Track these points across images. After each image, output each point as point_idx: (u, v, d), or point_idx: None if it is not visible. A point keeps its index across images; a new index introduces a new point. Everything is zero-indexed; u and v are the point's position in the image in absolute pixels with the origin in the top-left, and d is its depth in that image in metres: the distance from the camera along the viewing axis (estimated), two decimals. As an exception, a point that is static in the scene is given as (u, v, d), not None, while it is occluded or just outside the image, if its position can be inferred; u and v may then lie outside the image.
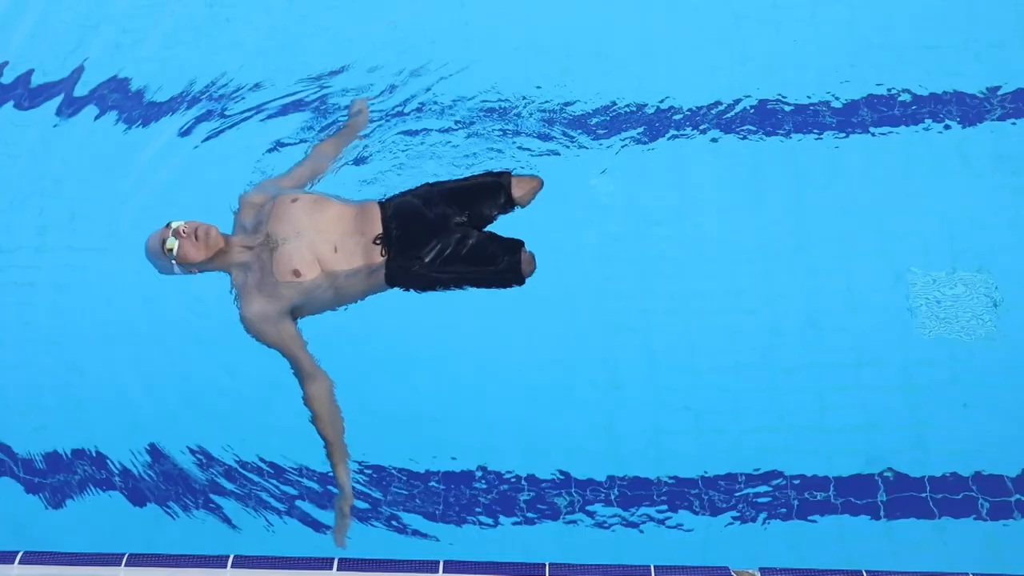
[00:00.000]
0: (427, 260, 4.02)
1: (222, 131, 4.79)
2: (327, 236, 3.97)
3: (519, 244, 4.09)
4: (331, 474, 3.92)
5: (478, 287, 4.10)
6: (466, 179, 4.25)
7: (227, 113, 4.83)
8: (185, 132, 4.80)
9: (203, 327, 4.32)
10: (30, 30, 5.14)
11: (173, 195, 4.61)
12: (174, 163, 4.73)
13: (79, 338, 4.44)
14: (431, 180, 4.25)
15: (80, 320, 4.48)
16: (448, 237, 4.04)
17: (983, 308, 4.13)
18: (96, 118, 4.88)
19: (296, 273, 3.91)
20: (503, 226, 4.21)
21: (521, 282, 4.07)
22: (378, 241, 3.99)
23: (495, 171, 4.26)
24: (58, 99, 4.93)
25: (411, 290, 4.10)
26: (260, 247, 3.97)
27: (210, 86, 4.90)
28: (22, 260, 4.65)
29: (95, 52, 5.05)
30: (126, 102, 4.92)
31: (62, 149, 4.85)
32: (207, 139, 4.78)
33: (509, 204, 4.20)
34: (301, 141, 4.69)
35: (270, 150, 4.68)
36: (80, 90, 4.96)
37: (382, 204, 4.09)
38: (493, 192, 4.17)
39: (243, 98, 4.86)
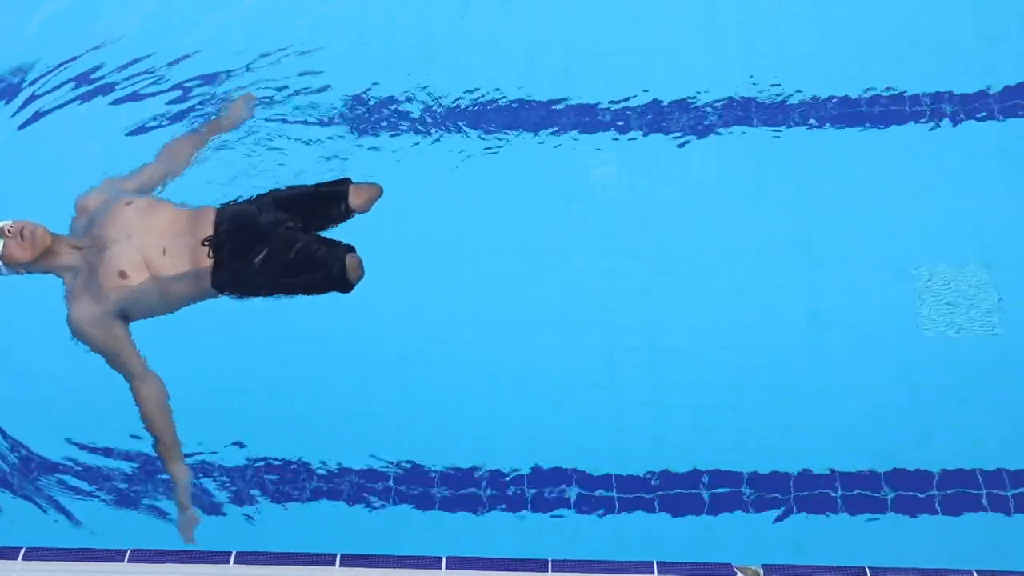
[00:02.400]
0: (254, 264, 3.99)
1: (57, 124, 4.75)
2: (157, 239, 3.95)
3: (347, 249, 4.05)
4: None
5: (304, 293, 4.07)
6: (305, 186, 4.23)
7: (63, 102, 4.78)
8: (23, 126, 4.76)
9: (211, 322, 4.32)
10: None
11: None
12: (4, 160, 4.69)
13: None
14: (276, 187, 4.24)
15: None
16: (277, 242, 4.01)
17: (987, 304, 4.13)
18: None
19: (122, 275, 3.90)
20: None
21: (347, 288, 4.04)
22: (206, 243, 3.97)
23: (335, 179, 4.24)
24: None
25: (238, 296, 4.07)
26: (89, 249, 3.96)
27: (45, 74, 4.86)
28: None
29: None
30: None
31: None
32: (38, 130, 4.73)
33: (348, 212, 4.18)
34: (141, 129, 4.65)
35: (114, 146, 4.63)
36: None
37: (219, 209, 4.08)
38: (331, 200, 4.16)
39: (82, 87, 4.81)
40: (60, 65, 4.90)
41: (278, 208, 4.09)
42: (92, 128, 4.75)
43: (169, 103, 4.77)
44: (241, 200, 4.16)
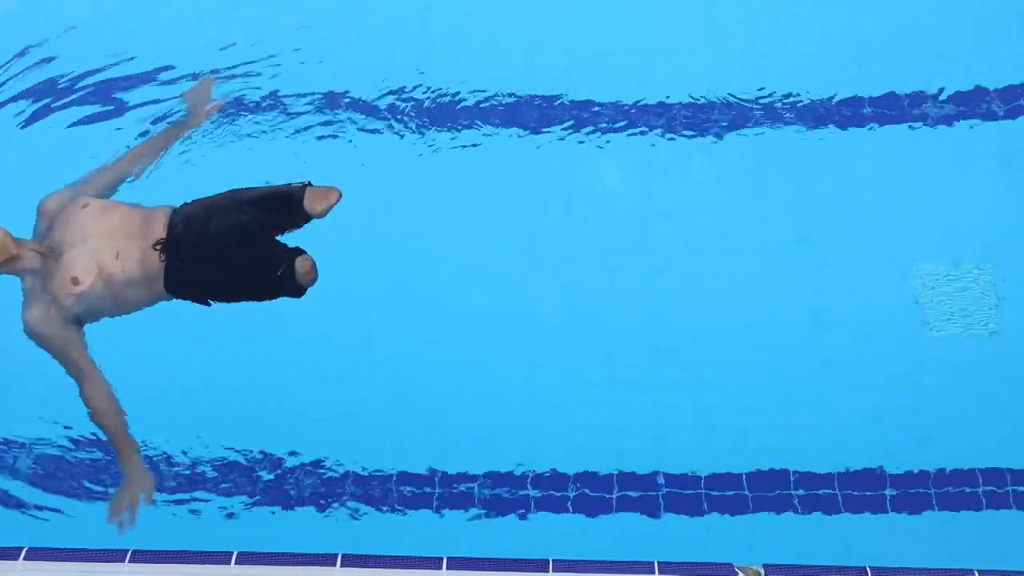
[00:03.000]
0: (206, 267, 3.98)
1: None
2: (110, 242, 3.95)
3: (298, 253, 4.03)
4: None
5: (256, 299, 4.06)
6: (262, 189, 4.19)
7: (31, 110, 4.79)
8: None
9: (205, 320, 4.32)
10: None
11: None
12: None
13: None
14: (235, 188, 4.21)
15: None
16: (230, 245, 3.99)
17: (988, 304, 4.13)
18: None
19: (74, 281, 3.90)
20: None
21: (299, 293, 4.03)
22: (158, 246, 3.96)
23: (293, 183, 4.19)
24: None
25: (191, 299, 4.06)
26: (49, 253, 3.96)
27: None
28: None
29: None
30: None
31: None
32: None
33: (304, 216, 4.13)
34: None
35: (75, 152, 4.59)
36: None
37: (174, 211, 4.07)
38: (287, 204, 4.11)
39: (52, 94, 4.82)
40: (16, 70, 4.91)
41: (233, 211, 4.06)
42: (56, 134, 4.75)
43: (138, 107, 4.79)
44: (197, 201, 4.13)
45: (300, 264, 3.96)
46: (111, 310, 4.05)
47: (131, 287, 3.98)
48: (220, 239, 3.98)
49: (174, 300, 4.07)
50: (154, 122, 4.67)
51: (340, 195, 4.11)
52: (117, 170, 4.30)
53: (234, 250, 3.98)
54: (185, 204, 4.11)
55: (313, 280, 4.01)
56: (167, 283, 3.98)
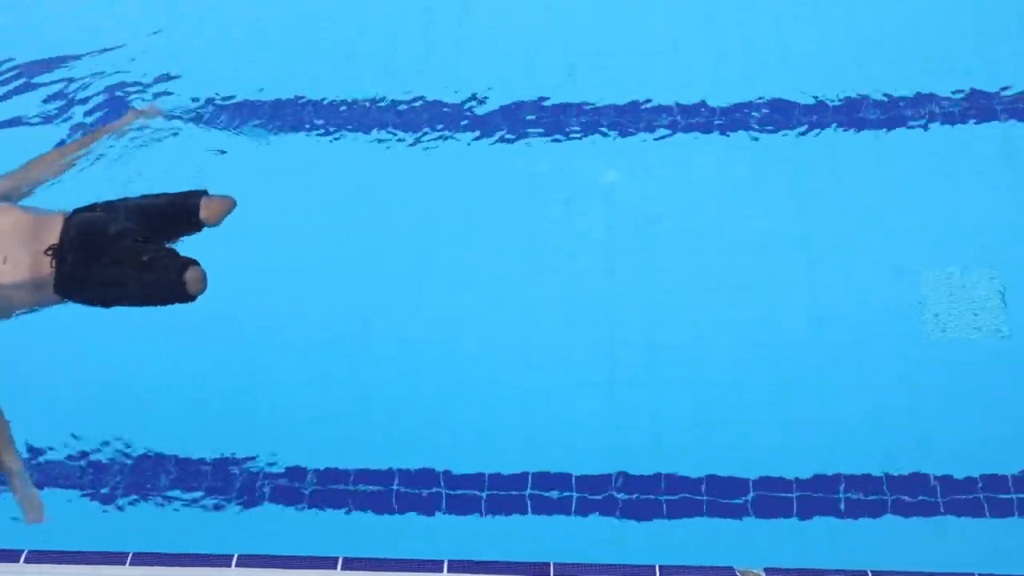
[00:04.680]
0: (97, 274, 3.97)
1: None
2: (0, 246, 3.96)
3: (189, 262, 4.01)
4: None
5: (146, 304, 4.06)
6: (156, 196, 4.21)
7: None
8: None
9: (206, 321, 4.31)
10: None
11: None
12: None
13: (78, 332, 4.44)
14: (127, 196, 4.21)
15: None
16: (122, 253, 3.98)
17: (989, 305, 4.13)
18: None
19: None
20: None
21: (189, 299, 4.00)
22: (49, 252, 3.96)
23: (188, 190, 4.21)
24: None
25: (83, 303, 4.05)
26: None
27: None
28: None
29: None
30: None
31: None
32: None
33: (197, 224, 4.16)
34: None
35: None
36: None
37: (68, 217, 4.06)
38: (181, 211, 4.14)
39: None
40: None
41: (127, 217, 4.06)
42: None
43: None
44: (92, 207, 4.13)
45: (190, 274, 3.96)
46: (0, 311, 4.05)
47: (19, 290, 3.98)
48: (114, 246, 3.97)
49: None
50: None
51: (235, 204, 4.17)
52: (18, 175, 4.29)
53: (126, 257, 3.97)
54: (79, 210, 4.10)
55: (202, 290, 3.99)
56: (57, 288, 3.98)
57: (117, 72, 4.86)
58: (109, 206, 4.12)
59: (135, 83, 4.82)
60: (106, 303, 4.06)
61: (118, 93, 4.80)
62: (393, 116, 4.70)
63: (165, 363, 4.34)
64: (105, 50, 4.92)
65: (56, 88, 4.85)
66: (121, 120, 4.62)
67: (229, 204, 4.18)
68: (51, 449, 4.24)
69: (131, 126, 4.61)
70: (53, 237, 3.98)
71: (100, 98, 4.79)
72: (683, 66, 4.75)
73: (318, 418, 4.16)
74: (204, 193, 4.18)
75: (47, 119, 4.77)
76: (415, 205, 4.52)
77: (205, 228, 4.17)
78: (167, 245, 4.09)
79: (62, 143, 4.61)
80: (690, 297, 4.29)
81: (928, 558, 3.71)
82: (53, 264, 3.95)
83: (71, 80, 4.85)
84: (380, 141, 4.65)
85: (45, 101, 4.83)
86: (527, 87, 4.73)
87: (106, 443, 4.22)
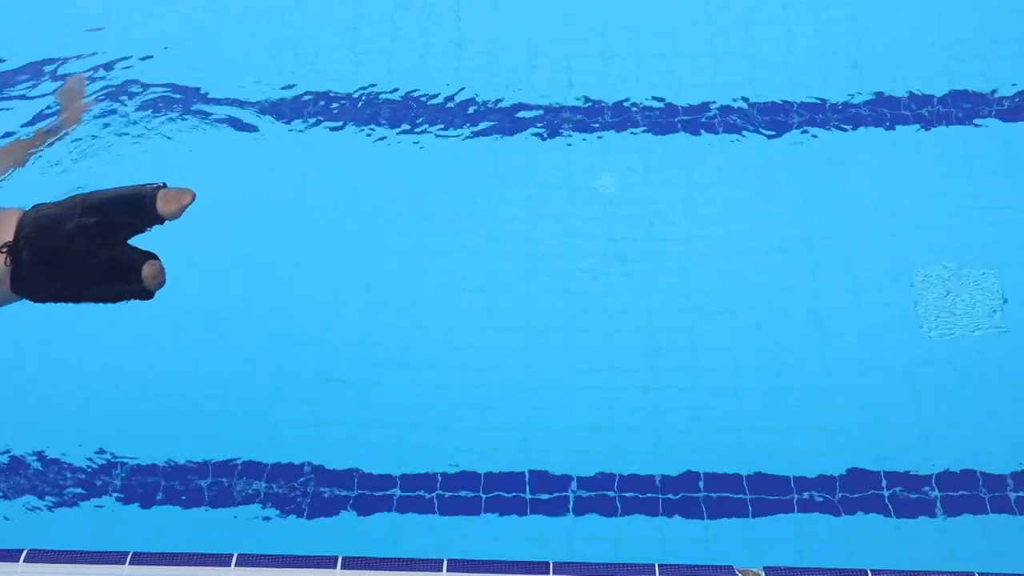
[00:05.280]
0: (54, 271, 3.94)
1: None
2: None
3: (147, 256, 3.97)
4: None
5: (104, 301, 4.03)
6: (113, 190, 4.14)
7: None
8: None
9: (197, 324, 4.32)
10: None
11: None
12: None
13: (75, 335, 4.44)
14: (83, 191, 4.17)
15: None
16: (79, 249, 3.94)
17: (990, 306, 4.13)
18: None
19: None
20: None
21: (148, 296, 3.97)
22: (4, 249, 3.93)
23: (147, 184, 4.11)
24: None
25: (39, 301, 4.02)
26: None
27: None
28: None
29: None
30: None
31: None
32: None
33: (156, 218, 4.06)
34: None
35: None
36: None
37: (24, 212, 4.02)
38: (138, 205, 4.04)
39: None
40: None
41: (84, 213, 4.00)
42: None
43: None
44: (49, 203, 4.08)
45: (147, 269, 3.92)
46: None
47: None
48: (70, 242, 3.94)
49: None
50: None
51: (194, 197, 4.04)
52: None
53: (83, 253, 3.93)
54: (36, 206, 4.07)
55: (160, 285, 3.95)
56: (14, 285, 3.95)
57: (104, 69, 4.85)
58: (65, 202, 4.06)
59: (127, 81, 4.81)
60: (67, 299, 4.02)
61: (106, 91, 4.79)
62: (393, 115, 4.70)
63: (164, 362, 4.34)
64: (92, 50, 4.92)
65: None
66: (70, 115, 4.56)
67: (188, 196, 4.04)
68: (50, 449, 4.25)
69: (84, 117, 4.58)
70: (8, 234, 3.93)
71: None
72: (685, 67, 4.75)
73: (317, 417, 4.16)
74: (163, 186, 4.08)
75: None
76: (415, 205, 4.52)
77: (168, 223, 4.05)
78: (128, 241, 4.03)
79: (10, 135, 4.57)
80: (690, 298, 4.29)
81: (928, 558, 3.72)
82: (8, 261, 3.91)
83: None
84: (380, 141, 4.64)
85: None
86: (527, 87, 4.73)
87: (106, 443, 4.22)
